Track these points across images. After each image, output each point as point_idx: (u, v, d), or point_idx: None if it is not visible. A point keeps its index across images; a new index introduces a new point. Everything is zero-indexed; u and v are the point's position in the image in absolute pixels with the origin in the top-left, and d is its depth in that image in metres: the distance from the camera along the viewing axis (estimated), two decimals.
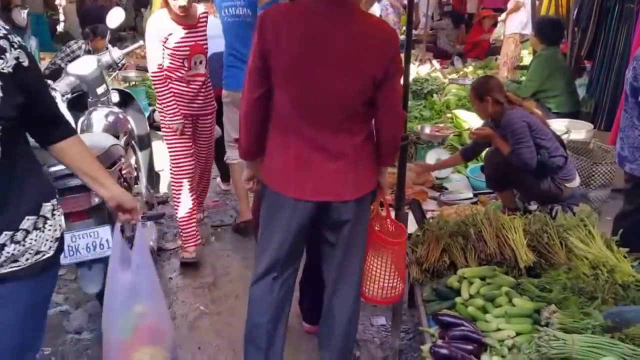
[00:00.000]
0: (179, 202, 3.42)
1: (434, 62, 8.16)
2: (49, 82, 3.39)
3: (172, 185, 3.46)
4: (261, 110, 2.02)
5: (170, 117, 3.30)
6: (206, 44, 3.32)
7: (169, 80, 3.24)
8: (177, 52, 3.19)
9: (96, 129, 3.22)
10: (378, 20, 2.32)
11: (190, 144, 3.46)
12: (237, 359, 2.65)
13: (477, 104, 3.39)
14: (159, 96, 3.26)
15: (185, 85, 3.29)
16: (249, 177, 2.29)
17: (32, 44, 6.44)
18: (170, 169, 3.44)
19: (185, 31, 3.18)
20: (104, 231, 2.56)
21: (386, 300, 2.36)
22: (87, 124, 3.26)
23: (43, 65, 6.07)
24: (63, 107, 3.35)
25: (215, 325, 2.93)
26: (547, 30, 4.94)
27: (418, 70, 7.39)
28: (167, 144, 3.42)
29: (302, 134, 1.99)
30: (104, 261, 2.59)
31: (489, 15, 8.97)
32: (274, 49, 1.90)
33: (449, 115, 5.42)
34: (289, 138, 2.01)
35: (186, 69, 3.24)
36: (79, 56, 4.20)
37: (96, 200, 2.57)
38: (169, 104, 3.26)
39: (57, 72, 4.13)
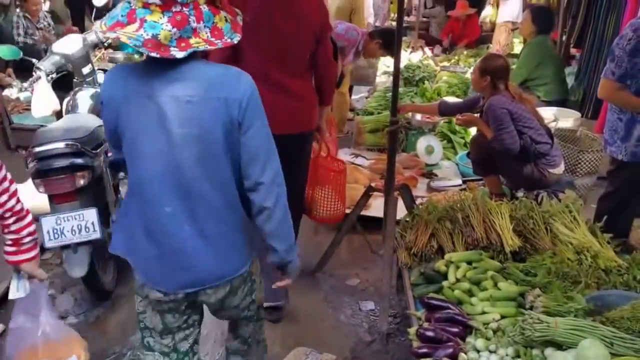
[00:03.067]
0: None
1: (426, 49, 8.15)
2: (34, 60, 3.34)
3: None
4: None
5: None
6: None
7: None
8: None
9: (81, 109, 3.18)
10: None
11: None
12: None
13: (477, 77, 3.38)
14: None
15: None
16: None
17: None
18: None
19: None
20: (90, 214, 2.53)
21: (331, 218, 3.14)
22: (73, 104, 3.21)
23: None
24: (48, 87, 3.30)
25: None
26: (540, 17, 4.93)
27: (410, 57, 7.37)
28: None
29: (268, 79, 2.38)
30: (89, 244, 2.58)
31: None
32: (242, 7, 2.10)
33: None
34: (258, 84, 2.24)
35: None
36: None
37: (81, 182, 2.54)
38: None
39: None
